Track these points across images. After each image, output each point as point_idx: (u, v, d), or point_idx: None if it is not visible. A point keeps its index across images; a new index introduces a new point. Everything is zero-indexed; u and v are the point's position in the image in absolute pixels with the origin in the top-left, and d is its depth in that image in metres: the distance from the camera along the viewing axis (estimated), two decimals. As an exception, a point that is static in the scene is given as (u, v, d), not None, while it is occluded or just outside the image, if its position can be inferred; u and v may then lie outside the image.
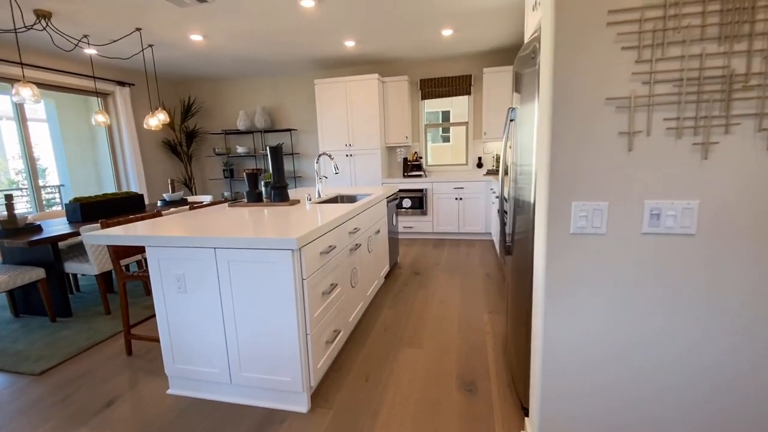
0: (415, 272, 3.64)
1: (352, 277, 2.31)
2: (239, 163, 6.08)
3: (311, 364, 1.72)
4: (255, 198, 2.66)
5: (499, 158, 4.97)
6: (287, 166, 5.89)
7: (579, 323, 1.24)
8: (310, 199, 2.74)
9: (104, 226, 2.23)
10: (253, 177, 2.66)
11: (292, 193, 3.39)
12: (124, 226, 2.04)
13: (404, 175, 5.24)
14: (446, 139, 8.12)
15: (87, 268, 2.96)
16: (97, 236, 1.80)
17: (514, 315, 1.82)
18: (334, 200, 3.24)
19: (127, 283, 3.66)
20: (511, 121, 1.84)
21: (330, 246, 1.93)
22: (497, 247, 3.86)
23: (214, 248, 1.68)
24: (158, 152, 5.66)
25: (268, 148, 2.57)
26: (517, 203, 1.75)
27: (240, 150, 5.71)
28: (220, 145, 6.08)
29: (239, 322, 1.72)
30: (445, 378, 1.95)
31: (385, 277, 3.27)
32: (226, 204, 2.72)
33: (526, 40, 2.16)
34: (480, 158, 5.24)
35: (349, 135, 5.01)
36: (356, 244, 2.37)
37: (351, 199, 3.34)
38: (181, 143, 5.85)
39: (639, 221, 1.14)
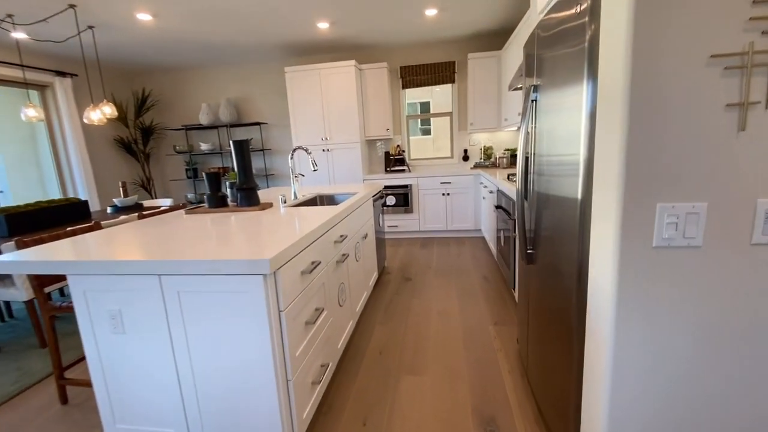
0: (406, 278, 3.30)
1: (339, 295, 1.94)
2: (204, 162, 5.53)
3: (295, 418, 1.34)
4: (217, 202, 2.23)
5: (488, 150, 4.69)
6: (257, 163, 5.40)
7: (662, 362, 0.92)
8: (284, 202, 2.33)
9: (20, 245, 1.75)
10: (215, 177, 2.23)
11: (263, 195, 2.96)
12: (47, 244, 1.57)
13: (387, 171, 4.88)
14: (426, 132, 7.81)
15: (14, 294, 2.43)
16: (-3, 264, 1.34)
17: (537, 334, 1.51)
18: (313, 202, 2.83)
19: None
20: (533, 101, 1.51)
21: (313, 262, 1.55)
22: (492, 245, 3.57)
23: (159, 275, 1.26)
24: (110, 151, 5.04)
25: (232, 143, 2.14)
26: (544, 199, 1.42)
27: (204, 147, 5.17)
28: (181, 142, 5.50)
29: (198, 370, 1.31)
30: (460, 415, 1.62)
31: (374, 286, 2.92)
32: (184, 210, 2.27)
33: (539, 16, 1.83)
34: (466, 151, 4.94)
35: (325, 128, 4.59)
36: (343, 255, 2.00)
37: (332, 200, 2.94)
38: (137, 141, 5.24)
39: (748, 228, 0.82)
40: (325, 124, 4.57)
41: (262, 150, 5.23)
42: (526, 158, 1.63)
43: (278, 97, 5.18)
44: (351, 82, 4.43)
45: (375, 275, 2.96)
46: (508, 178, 3.10)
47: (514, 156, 4.48)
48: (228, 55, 4.71)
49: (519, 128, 1.43)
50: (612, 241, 0.91)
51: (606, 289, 0.95)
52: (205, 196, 2.26)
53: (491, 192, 3.45)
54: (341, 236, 1.98)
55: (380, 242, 3.30)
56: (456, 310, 2.60)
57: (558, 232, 1.27)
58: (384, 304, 2.77)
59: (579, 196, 1.09)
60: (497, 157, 4.38)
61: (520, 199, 1.60)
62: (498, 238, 3.09)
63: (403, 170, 4.81)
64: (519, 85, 2.86)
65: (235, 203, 2.29)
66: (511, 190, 2.51)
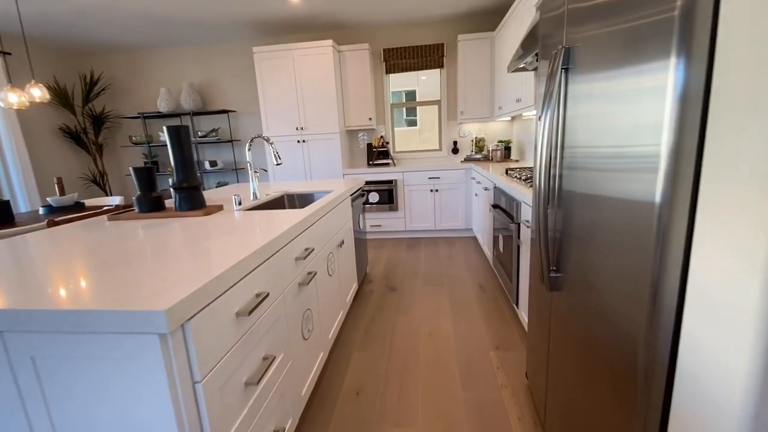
0: (390, 287, 2.88)
1: (304, 326, 1.50)
2: (166, 154, 4.96)
3: None
4: (150, 205, 1.75)
5: (479, 142, 4.29)
6: (225, 156, 4.87)
7: None
8: (239, 203, 1.87)
9: None
10: (146, 174, 1.75)
11: (217, 195, 2.48)
12: None
13: (369, 164, 4.43)
14: (412, 123, 7.37)
15: None
16: None
17: (564, 379, 1.11)
18: (280, 203, 2.38)
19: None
20: (564, 69, 1.10)
21: (258, 295, 1.11)
22: (486, 249, 3.19)
23: (0, 332, 0.80)
24: (54, 142, 4.43)
25: (165, 129, 1.67)
26: (581, 202, 1.01)
27: (164, 137, 4.60)
28: (138, 132, 4.92)
29: (70, 471, 0.86)
30: (460, 492, 1.21)
31: (353, 299, 2.50)
32: (107, 216, 1.78)
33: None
34: (455, 143, 4.53)
35: (300, 116, 4.10)
36: (310, 273, 1.56)
37: (304, 199, 2.49)
38: (86, 130, 4.64)
39: None
40: (300, 112, 4.09)
41: (230, 141, 4.70)
42: (549, 151, 1.22)
43: (248, 82, 4.65)
44: (328, 65, 3.95)
45: (354, 287, 2.53)
46: (506, 173, 2.70)
47: (508, 148, 4.09)
48: (189, 33, 4.15)
49: (540, 116, 1.02)
50: (759, 283, 0.50)
51: (735, 367, 0.55)
52: (134, 199, 1.78)
53: (486, 189, 3.05)
54: (306, 250, 1.54)
55: (361, 245, 2.87)
56: (449, 330, 2.20)
57: (609, 250, 0.86)
58: (364, 323, 2.35)
59: (657, 198, 0.69)
60: (490, 149, 3.99)
61: (542, 204, 1.19)
62: (495, 242, 2.70)
63: (387, 164, 4.38)
64: (521, 66, 2.46)
65: (176, 206, 1.81)
66: (512, 187, 2.11)
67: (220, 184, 4.81)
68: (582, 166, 1.01)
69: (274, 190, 2.54)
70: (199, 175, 4.74)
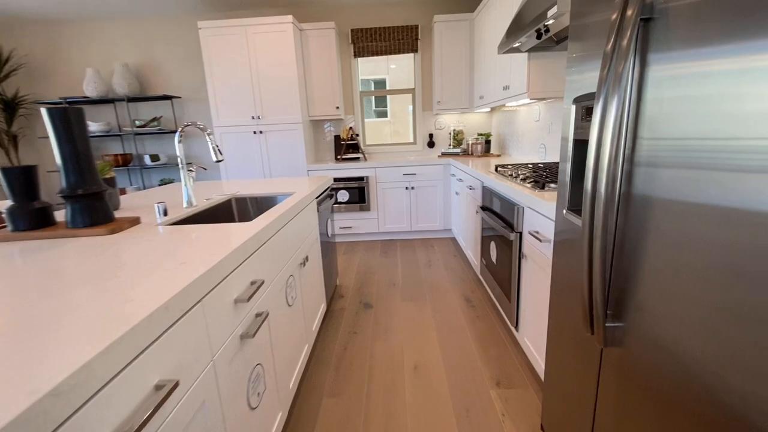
0: (365, 303, 2.48)
1: (251, 392, 1.07)
2: (99, 147, 4.25)
3: None
4: (31, 220, 1.24)
5: (458, 134, 3.94)
6: (169, 148, 4.24)
7: None
8: (165, 213, 1.40)
9: None
10: (22, 175, 1.23)
11: (153, 196, 1.96)
12: None
13: (337, 159, 3.98)
14: (382, 114, 6.95)
15: None
16: None
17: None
18: (225, 211, 1.90)
19: None
20: (638, 46, 0.73)
21: (161, 386, 0.66)
22: (471, 255, 2.86)
23: None
24: (-52, 132, 3.62)
25: (44, 112, 1.16)
26: (669, 211, 0.65)
27: (94, 127, 3.92)
28: (62, 121, 4.17)
29: None
30: None
31: (322, 323, 2.08)
32: (-36, 237, 1.25)
33: None
34: (431, 135, 4.17)
35: (256, 104, 3.57)
36: (259, 315, 1.12)
37: (260, 204, 2.02)
38: (-7, 118, 3.85)
39: None
40: (257, 98, 3.55)
41: (175, 132, 4.07)
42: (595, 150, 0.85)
43: (195, 64, 4.04)
44: (288, 45, 3.44)
45: (322, 308, 2.11)
46: (496, 170, 2.36)
47: (488, 142, 3.78)
48: (120, 2, 3.48)
49: (600, 103, 0.57)
50: None
51: None
52: (4, 213, 1.25)
53: (471, 188, 2.71)
54: (254, 284, 1.10)
55: (329, 253, 2.45)
56: (438, 361, 1.83)
57: (732, 296, 0.51)
58: (335, 355, 1.94)
59: None
60: (470, 143, 3.66)
61: (600, 217, 0.82)
62: (485, 249, 2.37)
63: (357, 158, 3.94)
64: (515, 45, 2.11)
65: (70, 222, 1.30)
66: (510, 188, 1.76)
67: (164, 182, 4.18)
68: (682, 164, 0.64)
69: (221, 192, 2.05)
70: (138, 171, 4.09)
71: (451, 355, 1.87)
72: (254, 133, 3.63)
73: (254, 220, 1.28)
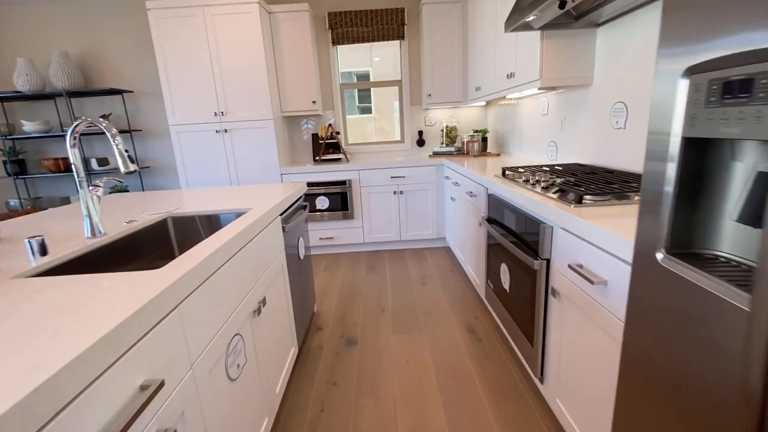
0: (348, 338, 2.04)
1: None
2: (38, 150, 3.68)
3: None
4: None
5: (451, 131, 3.52)
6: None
7: None
8: (42, 253, 0.93)
9: None
10: None
11: (70, 216, 1.47)
12: None
13: (316, 160, 3.52)
14: (366, 111, 6.50)
15: None
16: None
17: None
18: (156, 237, 1.42)
19: None
20: None
21: None
22: (472, 273, 2.45)
23: None
24: None
25: None
26: None
27: (29, 127, 3.36)
28: (-9, 120, 3.59)
29: None
30: None
31: (292, 369, 1.64)
32: None
33: None
34: (421, 133, 3.74)
35: (219, 98, 3.08)
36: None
37: (211, 224, 1.55)
38: None
39: None
40: (219, 92, 3.06)
41: (128, 132, 3.54)
42: None
43: (151, 52, 3.51)
44: (255, 30, 2.96)
45: (292, 354, 1.67)
46: (503, 173, 1.95)
47: (485, 139, 3.37)
48: (49, -23, 2.93)
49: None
50: None
51: None
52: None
53: (472, 195, 2.29)
54: (146, 389, 0.64)
55: (304, 273, 2.00)
56: (441, 423, 1.41)
57: None
58: (308, 422, 1.49)
59: None
60: (465, 141, 3.25)
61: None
62: (492, 270, 1.95)
63: (338, 159, 3.49)
64: (529, 19, 1.69)
65: None
66: (530, 199, 1.35)
67: (117, 190, 3.64)
68: None
69: (156, 208, 1.57)
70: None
71: (457, 414, 1.45)
72: (217, 132, 3.14)
73: (165, 267, 0.83)
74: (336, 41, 3.49)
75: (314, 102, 3.34)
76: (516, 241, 1.57)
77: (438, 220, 3.35)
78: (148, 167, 3.71)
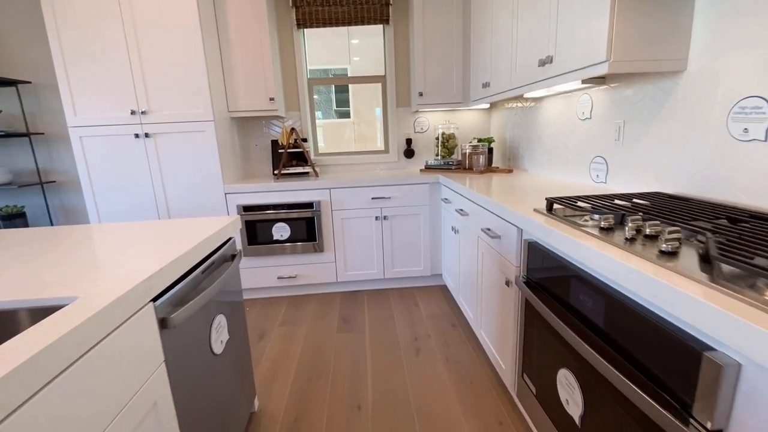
0: (301, 472, 1.26)
1: None
2: None
3: None
4: None
5: (448, 140, 2.79)
6: (20, 158, 2.80)
7: None
8: None
9: None
10: None
11: None
12: None
13: (276, 174, 2.74)
14: (344, 115, 5.75)
15: None
16: None
17: None
18: None
19: None
20: None
21: None
22: (484, 337, 1.71)
23: None
24: None
25: None
26: None
27: None
28: None
29: None
30: None
31: None
32: None
33: None
34: (409, 141, 3.01)
35: (138, 92, 2.26)
36: None
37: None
38: None
39: None
40: (138, 84, 2.25)
41: (26, 135, 2.67)
42: None
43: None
44: (189, 5, 2.17)
45: None
46: (550, 209, 1.22)
47: (491, 150, 2.67)
48: None
49: None
50: None
51: None
52: None
53: (490, 234, 1.55)
54: None
55: (226, 374, 1.21)
56: None
57: None
58: None
59: None
60: (466, 152, 2.53)
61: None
62: (534, 365, 1.22)
63: (305, 174, 2.72)
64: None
65: None
66: (620, 265, 0.63)
67: (8, 214, 2.73)
68: None
69: None
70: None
71: None
72: (137, 136, 2.31)
73: None
74: (302, 23, 2.74)
75: (272, 99, 2.56)
76: (604, 348, 0.84)
77: (432, 254, 2.62)
78: (54, 182, 2.83)
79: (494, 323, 1.60)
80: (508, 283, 1.40)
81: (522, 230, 1.29)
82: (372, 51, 3.26)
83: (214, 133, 2.34)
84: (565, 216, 1.12)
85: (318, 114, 5.10)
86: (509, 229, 1.37)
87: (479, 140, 2.58)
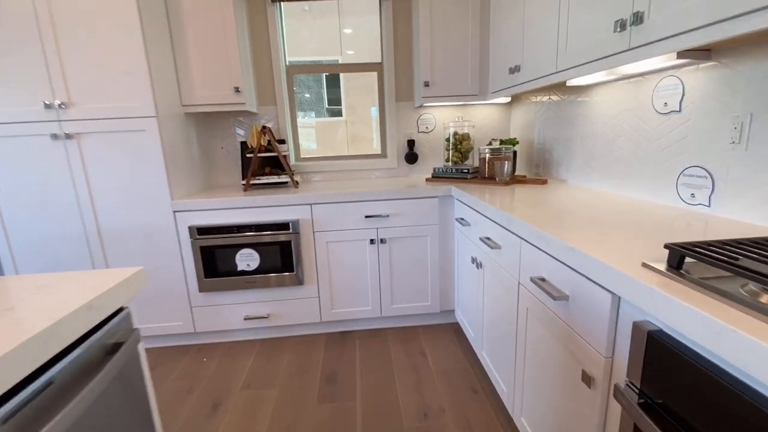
0: None
1: None
2: None
3: None
4: None
5: (461, 142, 2.24)
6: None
7: None
8: None
9: None
10: None
11: None
12: None
13: (246, 186, 2.19)
14: (336, 113, 5.18)
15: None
16: None
17: None
18: None
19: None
20: None
21: None
22: (505, 394, 1.17)
23: None
24: None
25: None
26: None
27: None
28: None
29: None
30: None
31: None
32: None
33: None
34: (412, 143, 2.47)
35: (53, 81, 1.70)
36: None
37: None
38: None
39: None
40: (54, 69, 1.68)
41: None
42: None
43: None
44: (116, -47, 1.61)
45: None
46: (679, 265, 0.67)
47: (515, 155, 2.13)
48: None
49: None
50: None
51: None
52: None
53: (547, 290, 1.00)
54: None
55: None
56: None
57: None
58: None
59: None
60: (485, 157, 1.99)
61: None
62: None
63: (282, 184, 2.17)
64: None
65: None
66: None
67: None
68: None
69: None
70: None
71: None
72: (54, 137, 1.75)
73: None
74: (278, -5, 2.19)
75: (237, 90, 2.01)
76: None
77: (443, 285, 2.07)
78: (-34, 194, 2.25)
79: (551, 423, 1.05)
80: (588, 380, 0.85)
81: (620, 298, 0.75)
82: (369, 42, 2.71)
83: (158, 134, 1.78)
84: (703, 279, 0.58)
85: (312, 114, 4.53)
86: (591, 290, 0.82)
87: (502, 141, 2.03)
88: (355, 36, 3.22)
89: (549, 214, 1.19)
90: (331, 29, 3.11)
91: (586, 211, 1.21)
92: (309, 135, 3.44)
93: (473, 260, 1.65)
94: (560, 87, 1.86)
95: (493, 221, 1.38)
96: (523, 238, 1.15)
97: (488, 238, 1.44)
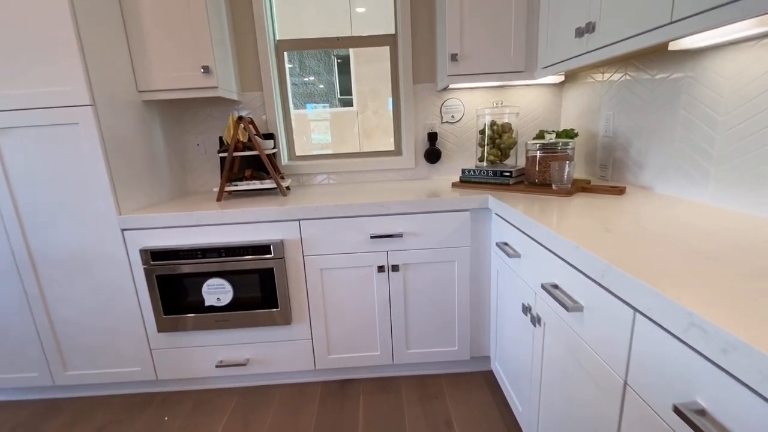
0: None
1: None
2: None
3: None
4: None
5: (500, 134, 1.69)
6: None
7: None
8: None
9: None
10: None
11: None
12: None
13: (219, 194, 1.73)
14: (347, 103, 4.68)
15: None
16: None
17: None
18: None
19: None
20: None
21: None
22: None
23: None
24: None
25: None
26: None
27: None
28: None
29: None
30: None
31: None
32: None
33: None
34: (433, 136, 1.94)
35: (-45, 54, 1.27)
36: None
37: None
38: None
39: None
40: (-41, 39, 1.26)
41: None
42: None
43: None
44: None
45: None
46: None
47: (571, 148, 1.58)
48: None
49: None
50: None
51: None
52: None
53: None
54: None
55: None
56: None
57: None
58: None
59: None
60: (534, 155, 1.46)
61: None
62: None
63: (268, 191, 1.70)
64: None
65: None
66: None
67: None
68: None
69: None
70: None
71: None
72: (-39, 134, 1.33)
73: None
74: (261, -53, 1.70)
75: (207, 69, 1.54)
76: None
77: (475, 325, 1.57)
78: None
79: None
80: None
81: None
82: (385, 22, 2.18)
83: (97, 127, 1.33)
84: None
85: (325, 105, 4.09)
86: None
87: (558, 134, 1.49)
88: (368, 16, 2.71)
89: (676, 255, 0.67)
90: (341, 6, 2.60)
91: (732, 251, 0.68)
92: (318, 128, 2.96)
93: (526, 310, 1.13)
94: (647, 56, 1.31)
95: (567, 263, 0.87)
96: (637, 309, 0.63)
97: (556, 287, 0.92)
